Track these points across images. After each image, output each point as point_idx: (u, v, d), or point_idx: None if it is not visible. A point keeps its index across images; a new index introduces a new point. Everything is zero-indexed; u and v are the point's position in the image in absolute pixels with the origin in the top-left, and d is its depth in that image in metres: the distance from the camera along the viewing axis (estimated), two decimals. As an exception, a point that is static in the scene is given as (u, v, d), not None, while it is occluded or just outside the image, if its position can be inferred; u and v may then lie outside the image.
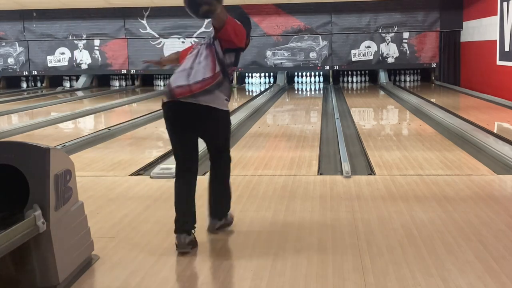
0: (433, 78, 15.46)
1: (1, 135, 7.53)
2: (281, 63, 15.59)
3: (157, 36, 15.87)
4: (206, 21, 15.60)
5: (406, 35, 15.30)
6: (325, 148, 6.49)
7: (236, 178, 4.79)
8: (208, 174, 3.55)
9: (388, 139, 6.95)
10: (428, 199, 4.18)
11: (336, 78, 16.17)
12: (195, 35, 15.74)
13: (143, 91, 15.02)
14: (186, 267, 2.96)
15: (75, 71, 16.52)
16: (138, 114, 9.66)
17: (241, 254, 3.12)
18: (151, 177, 4.97)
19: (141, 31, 15.91)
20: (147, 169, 5.44)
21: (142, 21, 15.86)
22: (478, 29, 13.30)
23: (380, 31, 15.31)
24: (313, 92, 14.91)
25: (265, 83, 16.21)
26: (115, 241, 3.34)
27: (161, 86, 16.65)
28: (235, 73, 15.12)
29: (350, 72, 16.15)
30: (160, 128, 8.63)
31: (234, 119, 7.75)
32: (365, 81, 16.22)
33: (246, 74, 16.30)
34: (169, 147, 6.49)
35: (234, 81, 15.31)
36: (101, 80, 16.89)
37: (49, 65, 16.40)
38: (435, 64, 15.30)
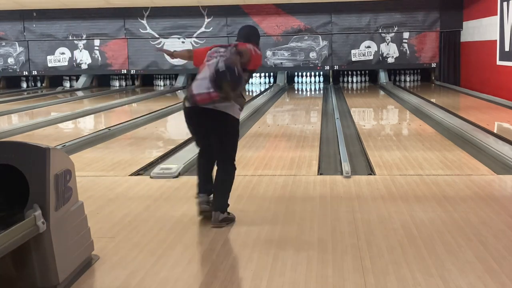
0: (433, 78, 15.46)
1: (1, 135, 7.53)
2: (281, 63, 15.59)
3: (157, 36, 15.87)
4: (206, 21, 15.65)
5: (406, 35, 15.30)
6: (325, 148, 6.49)
7: (236, 178, 4.74)
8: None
9: (388, 139, 6.95)
10: (428, 199, 4.18)
11: (336, 78, 16.17)
12: (195, 35, 15.75)
13: (143, 91, 15.02)
14: (186, 267, 2.96)
15: (75, 71, 16.52)
16: (138, 114, 9.66)
17: (241, 254, 3.12)
18: (151, 177, 4.97)
19: (141, 31, 15.91)
20: (147, 169, 5.44)
21: (142, 21, 15.86)
22: (478, 29, 13.30)
23: (380, 31, 15.31)
24: (313, 92, 14.91)
25: (265, 83, 16.21)
26: (115, 241, 3.34)
27: (161, 86, 16.66)
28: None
29: (350, 72, 16.16)
30: (160, 128, 8.64)
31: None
32: (365, 81, 16.22)
33: (246, 74, 16.27)
34: (169, 147, 6.53)
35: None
36: (101, 80, 16.89)
37: (49, 65, 16.40)
38: (435, 64, 15.30)
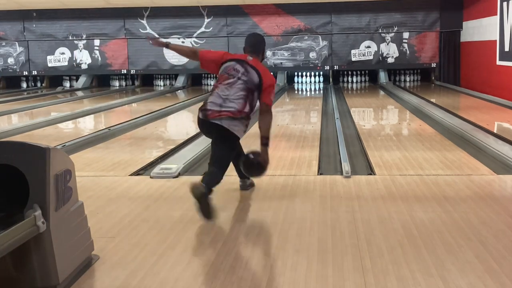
0: (433, 78, 15.45)
1: (1, 135, 7.53)
2: (281, 63, 15.59)
3: (157, 36, 15.85)
4: (206, 21, 15.65)
5: (406, 35, 15.30)
6: (325, 148, 6.49)
7: (237, 178, 4.79)
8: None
9: (388, 139, 6.95)
10: (428, 199, 4.18)
11: (336, 78, 16.17)
12: (195, 35, 15.75)
13: (143, 91, 15.02)
14: (186, 267, 2.96)
15: (75, 71, 16.52)
16: (138, 114, 9.66)
17: (241, 254, 3.12)
18: (151, 177, 4.97)
19: (141, 31, 15.91)
20: (147, 169, 5.44)
21: (142, 21, 15.86)
22: (478, 29, 13.31)
23: (380, 31, 15.31)
24: (313, 92, 14.91)
25: (265, 83, 16.18)
26: (115, 241, 3.34)
27: (161, 86, 16.66)
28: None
29: (350, 72, 16.15)
30: (160, 128, 8.64)
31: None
32: (365, 81, 16.22)
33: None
34: (169, 147, 6.53)
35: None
36: (101, 80, 16.89)
37: (49, 65, 16.40)
38: (435, 64, 15.30)
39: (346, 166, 5.10)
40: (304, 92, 14.96)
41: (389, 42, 15.35)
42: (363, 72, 16.18)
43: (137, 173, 5.27)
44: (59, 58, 16.36)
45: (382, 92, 13.74)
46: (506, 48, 11.16)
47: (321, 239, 3.32)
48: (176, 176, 4.96)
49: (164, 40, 4.57)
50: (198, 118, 4.17)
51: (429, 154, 5.87)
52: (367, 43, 15.40)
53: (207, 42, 15.69)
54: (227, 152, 4.16)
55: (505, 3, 11.20)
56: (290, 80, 16.27)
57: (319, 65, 15.58)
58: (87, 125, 9.45)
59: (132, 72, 16.29)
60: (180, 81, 16.14)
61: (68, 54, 16.31)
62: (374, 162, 5.48)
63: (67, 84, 16.94)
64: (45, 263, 2.57)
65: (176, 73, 16.30)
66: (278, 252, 3.14)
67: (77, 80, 16.82)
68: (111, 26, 16.01)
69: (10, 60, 16.47)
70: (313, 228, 3.55)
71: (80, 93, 15.26)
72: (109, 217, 3.85)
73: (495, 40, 11.77)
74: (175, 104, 11.49)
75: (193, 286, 2.76)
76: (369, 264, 2.92)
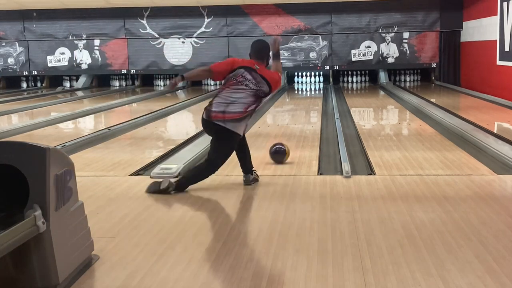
0: (433, 78, 15.46)
1: (1, 135, 7.53)
2: (281, 63, 15.56)
3: (157, 36, 15.87)
4: (206, 21, 15.65)
5: (406, 35, 15.30)
6: (325, 148, 6.49)
7: (237, 178, 4.80)
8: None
9: (388, 139, 6.95)
10: (428, 199, 4.18)
11: (336, 78, 16.17)
12: (195, 35, 15.75)
13: (143, 91, 15.02)
14: (186, 267, 2.96)
15: (75, 71, 16.52)
16: (138, 114, 9.66)
17: (241, 254, 3.12)
18: (151, 177, 4.96)
19: (141, 31, 15.91)
20: (147, 169, 5.44)
21: (142, 21, 15.86)
22: (478, 29, 13.31)
23: (380, 31, 15.31)
24: (313, 92, 14.91)
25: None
26: (115, 241, 3.34)
27: (161, 86, 16.66)
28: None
29: (350, 72, 16.15)
30: (160, 128, 8.64)
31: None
32: (365, 81, 16.22)
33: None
34: (169, 147, 6.53)
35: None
36: (101, 80, 16.89)
37: (49, 65, 16.40)
38: (435, 64, 15.30)
39: (346, 166, 5.10)
40: (304, 92, 14.96)
41: (389, 42, 15.35)
42: (363, 72, 16.19)
43: (137, 173, 5.27)
44: (59, 58, 16.36)
45: (382, 92, 13.74)
46: (506, 48, 11.16)
47: (321, 239, 3.32)
48: (176, 176, 4.95)
49: (177, 78, 4.51)
50: (202, 117, 4.42)
51: (429, 154, 5.87)
52: (367, 43, 15.40)
53: (207, 42, 15.70)
54: (225, 149, 4.41)
55: (505, 3, 11.20)
56: (290, 80, 16.26)
57: (319, 65, 15.58)
58: (87, 125, 9.45)
59: (132, 72, 16.29)
60: (180, 81, 16.11)
61: (68, 54, 16.31)
62: (374, 162, 5.48)
63: (67, 84, 16.94)
64: (45, 263, 2.57)
65: (176, 73, 16.25)
66: (278, 252, 3.14)
67: (77, 80, 16.82)
68: (111, 26, 16.01)
69: (10, 60, 16.47)
70: (313, 228, 3.55)
71: (80, 93, 15.26)
72: (109, 217, 3.85)
73: (495, 40, 11.76)
74: (175, 104, 11.49)
75: (193, 286, 2.76)
76: (369, 264, 2.92)
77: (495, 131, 7.25)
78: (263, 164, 5.48)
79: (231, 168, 4.94)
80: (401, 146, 6.37)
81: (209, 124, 4.38)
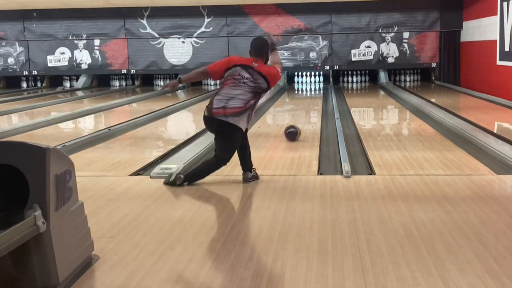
0: (433, 78, 15.46)
1: (1, 135, 7.53)
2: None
3: (157, 36, 15.87)
4: (206, 21, 15.65)
5: (406, 35, 15.30)
6: (325, 148, 6.49)
7: (237, 178, 4.80)
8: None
9: (388, 139, 6.95)
10: (428, 199, 4.18)
11: (336, 78, 16.17)
12: (195, 35, 15.75)
13: (143, 91, 15.02)
14: (186, 267, 2.96)
15: (75, 71, 16.52)
16: (138, 114, 9.66)
17: (241, 254, 3.12)
18: (151, 177, 4.96)
19: (141, 31, 15.91)
20: (147, 169, 5.44)
21: (142, 21, 15.86)
22: (478, 29, 13.30)
23: (380, 31, 15.31)
24: (313, 92, 14.91)
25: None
26: (115, 241, 3.34)
27: (161, 86, 16.64)
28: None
29: (350, 72, 16.16)
30: (160, 128, 8.64)
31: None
32: (365, 81, 16.22)
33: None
34: (169, 147, 6.53)
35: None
36: (101, 80, 16.89)
37: (49, 65, 16.40)
38: (435, 64, 15.30)
39: (346, 166, 5.10)
40: (304, 92, 14.96)
41: (389, 42, 15.35)
42: (363, 72, 16.19)
43: (137, 173, 5.27)
44: (59, 58, 16.36)
45: (382, 92, 13.74)
46: (506, 48, 11.16)
47: (321, 239, 3.32)
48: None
49: (174, 81, 4.88)
50: (204, 115, 4.54)
51: (429, 154, 5.87)
52: (367, 43, 15.40)
53: (207, 42, 15.70)
54: (230, 144, 4.53)
55: (505, 3, 11.20)
56: (290, 80, 16.26)
57: (319, 65, 15.58)
58: (87, 125, 9.45)
59: (132, 72, 16.29)
60: (180, 81, 16.12)
61: (68, 54, 16.31)
62: (374, 162, 5.48)
63: (67, 84, 16.94)
64: (45, 263, 2.57)
65: (176, 73, 16.28)
66: (278, 252, 3.14)
67: (77, 80, 16.83)
68: (111, 26, 16.01)
69: (10, 60, 16.47)
70: (313, 228, 3.55)
71: (80, 93, 15.26)
72: (109, 217, 3.85)
73: (495, 40, 11.76)
74: (175, 104, 11.49)
75: (193, 286, 2.76)
76: (369, 264, 2.92)
77: (495, 131, 7.25)
78: (263, 163, 5.49)
79: (231, 168, 4.94)
80: (401, 146, 6.37)
81: (211, 121, 4.49)
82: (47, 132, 8.12)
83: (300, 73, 16.27)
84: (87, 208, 3.05)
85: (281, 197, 4.29)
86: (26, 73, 16.54)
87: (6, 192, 2.66)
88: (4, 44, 16.40)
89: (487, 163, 5.41)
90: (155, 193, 4.48)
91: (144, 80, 16.82)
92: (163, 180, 4.76)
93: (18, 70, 16.53)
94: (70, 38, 16.20)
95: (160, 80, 16.80)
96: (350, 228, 3.51)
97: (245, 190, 4.54)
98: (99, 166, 5.59)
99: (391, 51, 15.38)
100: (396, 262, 2.94)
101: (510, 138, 6.54)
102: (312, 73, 16.21)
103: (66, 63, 16.37)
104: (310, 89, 15.48)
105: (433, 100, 11.24)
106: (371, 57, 15.43)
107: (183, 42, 15.80)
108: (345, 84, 15.94)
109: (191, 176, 4.64)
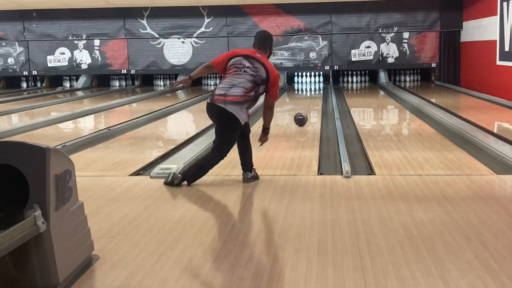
0: (433, 78, 15.46)
1: (1, 135, 7.53)
2: (281, 63, 15.57)
3: (157, 36, 15.87)
4: (206, 21, 15.65)
5: (406, 35, 15.30)
6: (325, 148, 6.49)
7: (237, 178, 4.80)
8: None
9: (388, 139, 6.95)
10: (428, 199, 4.18)
11: (336, 78, 16.17)
12: (195, 35, 15.75)
13: (143, 91, 15.02)
14: (186, 267, 2.96)
15: (75, 71, 16.52)
16: (138, 114, 9.66)
17: (241, 254, 3.12)
18: (151, 177, 4.97)
19: (141, 31, 15.91)
20: (147, 169, 5.44)
21: (142, 21, 15.86)
22: (478, 29, 13.31)
23: (380, 31, 15.31)
24: (313, 92, 14.91)
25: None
26: (115, 241, 3.34)
27: (161, 86, 16.66)
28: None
29: (350, 72, 16.15)
30: (160, 128, 8.64)
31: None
32: (365, 81, 16.22)
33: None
34: (169, 147, 6.53)
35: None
36: (101, 80, 16.89)
37: (49, 65, 16.39)
38: (435, 64, 15.30)
39: (346, 166, 5.10)
40: (304, 92, 14.95)
41: (389, 42, 15.36)
42: (363, 72, 16.19)
43: (137, 173, 5.27)
44: (59, 58, 16.36)
45: (382, 92, 13.74)
46: (506, 48, 11.16)
47: (321, 239, 3.32)
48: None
49: (185, 78, 5.01)
50: (207, 102, 4.66)
51: (429, 154, 5.87)
52: (367, 43, 15.40)
53: (207, 42, 15.69)
54: (228, 135, 4.58)
55: (505, 3, 11.20)
56: (290, 80, 16.26)
57: (319, 65, 15.58)
58: (87, 125, 9.45)
59: (132, 72, 16.29)
60: (180, 81, 16.13)
61: (68, 54, 16.31)
62: (374, 162, 5.48)
63: (67, 84, 16.93)
64: (45, 263, 2.57)
65: (176, 73, 16.30)
66: (278, 252, 3.14)
67: (77, 80, 16.82)
68: (111, 26, 16.01)
69: (10, 60, 16.47)
70: (313, 228, 3.55)
71: (80, 93, 15.26)
72: (109, 217, 3.85)
73: (495, 40, 11.77)
74: (175, 104, 11.49)
75: (193, 286, 2.76)
76: (369, 264, 2.92)
77: (495, 131, 7.25)
78: (263, 163, 5.49)
79: (231, 168, 4.94)
80: (401, 146, 6.37)
81: (211, 107, 4.57)
82: (47, 132, 8.12)
83: (300, 73, 16.27)
84: (87, 208, 3.05)
85: (281, 197, 4.29)
86: (26, 73, 16.54)
87: (6, 192, 2.66)
88: (4, 44, 16.40)
89: (487, 163, 5.41)
90: (155, 193, 4.48)
91: (144, 80, 16.82)
92: (163, 180, 4.76)
93: (18, 70, 16.53)
94: (70, 38, 16.20)
95: (160, 80, 16.81)
96: (350, 228, 3.51)
97: (245, 190, 4.54)
98: (99, 166, 5.59)
99: (391, 51, 15.38)
100: (396, 262, 2.94)
101: (510, 138, 6.54)
102: (312, 73, 16.22)
103: (66, 63, 16.37)
104: (310, 89, 15.48)
105: (433, 100, 11.24)
106: (371, 57, 15.43)
107: (183, 42, 15.80)
108: (345, 84, 15.94)
109: (192, 176, 4.63)
